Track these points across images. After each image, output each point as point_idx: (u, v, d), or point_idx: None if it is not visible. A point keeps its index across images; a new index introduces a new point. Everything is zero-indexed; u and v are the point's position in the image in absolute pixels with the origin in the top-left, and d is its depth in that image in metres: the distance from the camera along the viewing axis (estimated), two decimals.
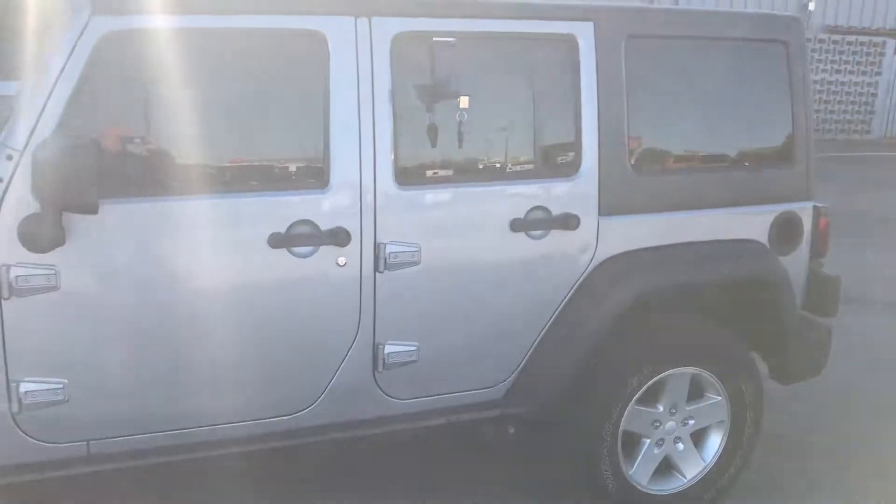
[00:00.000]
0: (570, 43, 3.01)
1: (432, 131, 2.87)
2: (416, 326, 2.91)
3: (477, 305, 2.98)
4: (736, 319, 3.43)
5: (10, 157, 2.40)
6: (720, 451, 3.39)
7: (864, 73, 19.05)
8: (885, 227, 9.41)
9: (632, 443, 3.29)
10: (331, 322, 2.81)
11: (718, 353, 3.28)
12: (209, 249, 2.64)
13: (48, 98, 2.41)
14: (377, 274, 2.82)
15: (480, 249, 2.95)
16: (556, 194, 3.02)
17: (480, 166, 2.97)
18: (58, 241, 2.41)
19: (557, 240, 3.04)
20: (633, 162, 3.14)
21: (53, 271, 2.46)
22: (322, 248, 2.73)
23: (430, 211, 2.89)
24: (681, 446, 3.36)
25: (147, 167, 2.60)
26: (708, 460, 3.39)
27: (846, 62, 18.78)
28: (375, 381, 2.91)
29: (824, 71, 18.56)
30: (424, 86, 2.85)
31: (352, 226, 2.75)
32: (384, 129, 2.77)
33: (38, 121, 2.40)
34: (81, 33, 2.44)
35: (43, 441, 2.57)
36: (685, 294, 3.30)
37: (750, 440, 3.42)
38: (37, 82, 2.45)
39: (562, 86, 3.04)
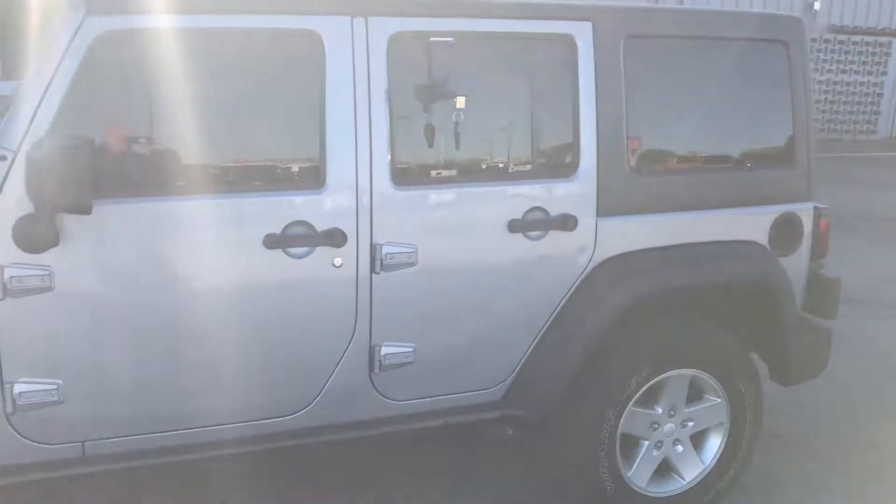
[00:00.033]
0: (568, 43, 3.00)
1: (429, 132, 2.85)
2: (412, 328, 2.90)
3: (474, 307, 2.97)
4: (735, 321, 3.41)
5: (3, 158, 2.40)
6: (719, 453, 3.37)
7: (869, 73, 18.99)
8: (891, 228, 9.37)
9: (630, 445, 3.27)
10: (327, 323, 2.80)
11: (717, 355, 3.26)
12: (204, 250, 2.63)
13: (42, 98, 2.41)
14: (373, 275, 2.81)
15: (478, 250, 2.94)
16: (554, 195, 3.01)
17: (478, 167, 2.95)
18: (52, 241, 2.40)
19: (555, 241, 3.02)
20: (631, 162, 3.12)
21: (48, 272, 2.46)
22: (318, 248, 2.72)
23: (426, 211, 2.87)
24: (680, 448, 3.34)
25: (142, 167, 2.59)
26: (707, 462, 3.38)
27: (852, 62, 18.73)
28: (372, 382, 2.90)
29: (830, 71, 18.51)
30: (421, 86, 2.83)
31: (348, 226, 2.74)
32: (381, 130, 2.76)
33: (32, 121, 2.40)
34: (76, 33, 2.43)
35: (37, 442, 2.56)
36: (684, 296, 3.28)
37: (749, 442, 3.40)
38: (31, 82, 2.44)
39: (560, 86, 3.02)
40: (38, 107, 2.41)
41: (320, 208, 2.72)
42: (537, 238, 3.00)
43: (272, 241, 2.67)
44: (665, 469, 3.36)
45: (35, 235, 2.38)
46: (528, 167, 3.01)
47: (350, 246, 2.75)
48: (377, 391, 2.92)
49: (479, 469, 3.68)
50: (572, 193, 3.03)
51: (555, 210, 3.01)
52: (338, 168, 2.72)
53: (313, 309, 2.77)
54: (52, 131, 2.40)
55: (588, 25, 3.01)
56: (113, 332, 2.58)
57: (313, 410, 2.85)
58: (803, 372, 3.54)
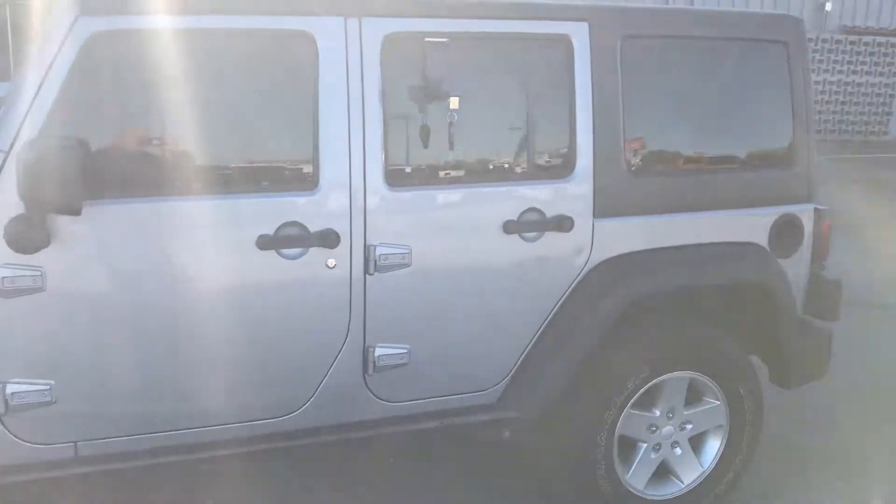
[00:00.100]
0: (564, 43, 2.98)
1: (424, 132, 2.85)
2: (407, 329, 2.89)
3: (469, 308, 2.96)
4: (735, 323, 3.39)
5: None
6: (718, 456, 3.35)
7: (881, 73, 18.85)
8: None
9: (628, 447, 3.25)
10: (320, 324, 2.79)
11: (716, 358, 3.24)
12: (197, 251, 2.63)
13: (35, 99, 2.41)
14: (367, 276, 2.80)
15: (473, 252, 2.92)
16: (550, 196, 2.99)
17: (473, 167, 2.94)
18: (43, 242, 2.41)
19: (552, 242, 3.01)
20: (628, 163, 3.10)
21: (40, 273, 2.46)
22: (311, 249, 2.72)
23: (421, 213, 2.86)
24: (678, 451, 3.32)
25: (134, 168, 2.59)
26: (706, 465, 3.36)
27: (863, 63, 18.59)
28: (366, 383, 2.89)
29: (840, 72, 18.39)
30: (416, 87, 2.83)
31: (341, 227, 2.73)
32: (374, 131, 2.75)
33: (24, 122, 2.41)
34: (68, 33, 2.43)
35: (30, 442, 2.57)
36: (682, 298, 3.26)
37: (749, 445, 3.37)
38: (24, 83, 2.44)
39: (556, 87, 3.00)
40: (31, 107, 2.41)
41: (314, 209, 2.71)
42: (533, 239, 2.98)
43: (265, 242, 2.66)
44: (663, 472, 3.34)
45: (26, 236, 2.38)
46: (524, 168, 3.00)
47: (343, 247, 2.74)
48: (371, 392, 2.91)
49: (476, 470, 3.67)
50: (568, 194, 3.01)
51: (551, 211, 2.99)
52: (331, 169, 2.72)
53: (307, 310, 2.77)
54: (44, 132, 2.40)
55: (584, 26, 2.99)
56: (105, 333, 2.58)
57: (307, 411, 2.84)
58: (804, 375, 3.52)
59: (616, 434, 3.15)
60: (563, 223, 2.99)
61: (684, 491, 3.34)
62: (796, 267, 3.43)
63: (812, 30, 18.00)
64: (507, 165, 3.00)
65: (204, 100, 2.62)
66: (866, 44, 18.53)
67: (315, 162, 2.70)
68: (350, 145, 2.72)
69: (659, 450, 3.28)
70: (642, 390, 3.14)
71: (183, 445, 2.72)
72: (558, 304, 3.07)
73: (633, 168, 3.12)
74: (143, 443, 2.68)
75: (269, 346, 2.75)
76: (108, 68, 2.50)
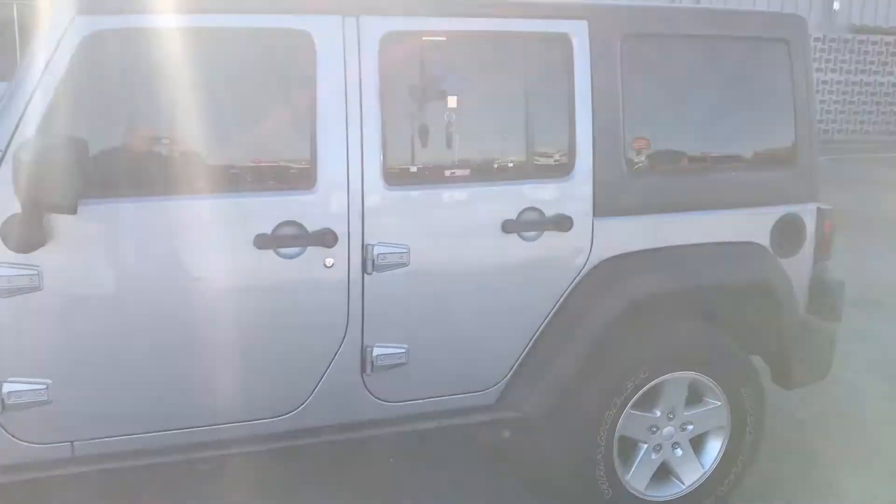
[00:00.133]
0: (563, 42, 2.97)
1: (422, 131, 2.84)
2: (405, 329, 2.88)
3: (468, 308, 2.95)
4: (736, 323, 3.37)
5: None
6: (720, 457, 3.33)
7: (889, 73, 18.73)
8: None
9: (629, 448, 3.23)
10: (318, 323, 2.79)
11: (717, 358, 3.22)
12: (194, 250, 2.63)
13: (31, 98, 2.42)
14: (365, 275, 2.79)
15: (471, 251, 2.91)
16: (549, 195, 2.98)
17: (471, 166, 2.92)
18: (40, 241, 2.41)
19: (551, 241, 2.99)
20: (629, 163, 3.09)
21: (36, 272, 2.46)
22: (309, 249, 2.71)
23: (419, 212, 2.85)
24: (679, 452, 3.30)
25: (131, 167, 2.60)
26: (707, 466, 3.34)
27: (871, 62, 18.48)
28: (364, 383, 2.88)
29: (849, 71, 18.28)
30: (414, 86, 2.82)
31: (339, 227, 2.72)
32: (372, 130, 2.74)
33: (20, 121, 2.41)
34: (65, 32, 2.43)
35: (27, 441, 2.57)
36: (682, 297, 3.24)
37: (751, 446, 3.35)
38: (21, 82, 2.44)
39: (555, 86, 2.99)
40: (27, 106, 2.41)
41: (311, 208, 2.70)
42: (532, 239, 2.97)
43: (263, 242, 2.66)
44: (664, 473, 3.32)
45: (23, 235, 2.38)
46: (523, 167, 2.98)
47: (341, 246, 2.73)
48: (369, 392, 2.90)
49: (475, 471, 3.66)
50: (568, 194, 3.00)
51: (550, 210, 2.98)
52: (329, 168, 2.71)
53: (304, 309, 2.76)
54: (41, 131, 2.40)
55: (584, 24, 2.98)
56: (102, 333, 2.57)
57: (305, 411, 2.84)
58: (806, 375, 3.50)
59: (616, 435, 3.13)
60: (562, 222, 2.98)
61: (685, 492, 3.32)
62: (798, 267, 3.41)
63: (820, 29, 17.93)
64: (505, 164, 2.98)
65: (201, 99, 2.61)
66: (874, 43, 18.42)
67: (313, 161, 2.70)
68: (348, 144, 2.72)
69: (659, 450, 3.26)
70: (642, 391, 3.12)
71: (180, 445, 2.71)
72: (558, 304, 3.06)
73: (633, 167, 3.10)
74: (139, 442, 2.68)
75: (266, 346, 2.75)
76: (106, 68, 2.50)
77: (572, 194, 3.00)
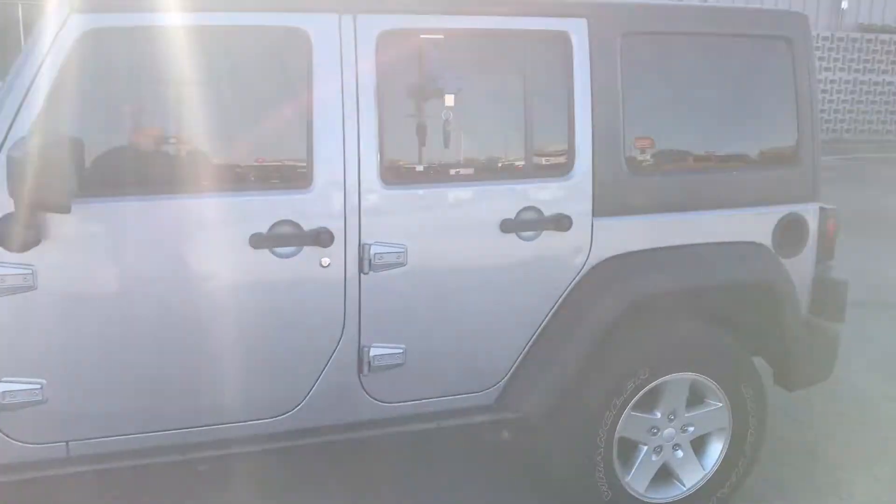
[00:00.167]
0: (562, 40, 2.94)
1: (419, 130, 2.82)
2: (402, 329, 2.86)
3: (466, 308, 2.93)
4: (737, 324, 3.34)
5: None
6: (721, 458, 3.30)
7: None
8: None
9: (629, 449, 3.21)
10: (314, 323, 2.77)
11: (718, 359, 3.19)
12: (189, 249, 2.61)
13: (25, 96, 2.41)
14: (362, 275, 2.77)
15: (469, 251, 2.89)
16: (548, 194, 2.96)
17: (469, 165, 2.90)
18: (33, 240, 2.40)
19: (550, 241, 2.97)
20: (629, 162, 3.06)
21: (31, 271, 2.45)
22: (305, 248, 2.69)
23: (416, 211, 2.83)
24: (680, 454, 3.28)
25: (125, 166, 2.58)
26: (708, 468, 3.31)
27: (880, 61, 18.39)
28: (361, 383, 2.87)
29: (857, 70, 18.19)
30: (411, 84, 2.81)
31: (336, 226, 2.71)
32: (369, 128, 2.72)
33: (14, 119, 2.40)
34: (60, 31, 2.42)
35: (21, 441, 2.56)
36: (683, 298, 3.21)
37: (753, 448, 3.33)
38: (15, 80, 2.43)
39: (554, 84, 2.97)
40: (21, 105, 2.40)
41: (307, 207, 2.69)
42: (531, 238, 2.95)
43: (258, 241, 2.64)
44: (665, 474, 3.30)
45: (17, 234, 2.37)
46: (522, 166, 2.96)
47: (338, 246, 2.72)
48: (367, 393, 2.88)
49: (475, 471, 3.64)
50: (567, 193, 2.98)
51: (549, 210, 2.95)
52: (325, 167, 2.69)
53: (301, 309, 2.75)
54: (35, 129, 2.39)
55: (583, 22, 2.96)
56: (97, 332, 2.56)
57: (301, 412, 2.82)
58: (809, 376, 3.47)
59: (616, 436, 3.11)
60: (561, 222, 2.95)
61: (686, 494, 3.29)
62: (801, 267, 3.38)
63: (828, 28, 17.86)
64: (504, 163, 2.97)
65: (197, 97, 2.61)
66: (883, 42, 18.34)
67: (309, 160, 2.68)
68: (345, 143, 2.70)
69: (660, 452, 3.24)
70: (642, 392, 3.10)
71: (175, 446, 2.70)
72: (557, 304, 3.04)
73: (633, 166, 3.08)
74: (135, 443, 2.67)
75: (262, 346, 2.73)
76: (101, 66, 2.49)
77: (571, 194, 2.98)
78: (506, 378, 3.05)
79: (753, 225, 3.27)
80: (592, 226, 3.02)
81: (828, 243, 3.43)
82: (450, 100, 2.80)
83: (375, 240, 2.76)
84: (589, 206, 3.01)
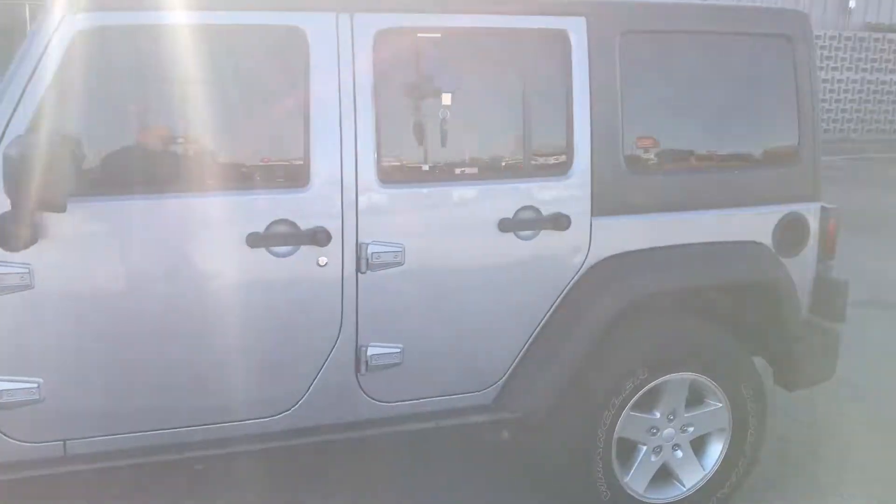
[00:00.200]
0: (561, 39, 2.94)
1: (417, 129, 2.82)
2: (400, 328, 2.86)
3: (464, 308, 2.92)
4: (737, 324, 3.33)
5: None
6: (721, 459, 3.28)
7: None
8: None
9: (628, 449, 3.20)
10: (312, 322, 2.77)
11: (718, 359, 3.17)
12: (185, 248, 2.62)
13: (22, 95, 2.41)
14: (359, 274, 2.77)
15: (467, 250, 2.89)
16: (546, 194, 2.95)
17: (467, 164, 2.90)
18: (30, 239, 2.40)
19: (548, 240, 2.96)
20: (628, 161, 3.05)
21: (27, 270, 2.45)
22: (302, 247, 2.69)
23: (414, 210, 2.83)
24: (679, 454, 3.26)
25: (122, 165, 2.59)
26: (708, 468, 3.29)
27: (887, 60, 18.29)
28: (358, 383, 2.87)
29: (864, 70, 18.09)
30: (409, 83, 2.80)
31: (333, 225, 2.70)
32: (366, 127, 2.72)
33: (11, 118, 2.40)
34: (56, 30, 2.43)
35: (18, 440, 2.56)
36: (682, 297, 3.21)
37: (753, 448, 3.31)
38: (11, 79, 2.44)
39: (552, 83, 2.96)
40: (18, 104, 2.41)
41: (304, 207, 2.69)
42: (529, 238, 2.94)
43: (255, 240, 2.64)
44: (665, 475, 3.28)
45: (13, 233, 2.37)
46: (520, 165, 2.96)
47: (335, 245, 2.72)
48: (364, 392, 2.88)
49: (473, 472, 3.63)
50: (566, 192, 2.97)
51: (547, 209, 2.95)
52: (323, 166, 2.69)
53: (298, 308, 2.74)
54: (32, 128, 2.39)
55: (582, 21, 2.95)
56: (94, 331, 2.57)
57: (299, 411, 2.82)
58: (810, 377, 3.45)
59: (615, 436, 3.09)
60: (559, 221, 2.95)
61: (686, 494, 3.28)
62: (802, 266, 3.36)
63: (835, 27, 17.78)
64: (502, 162, 2.96)
65: (193, 96, 2.61)
66: (890, 41, 18.23)
67: (306, 159, 2.68)
68: (342, 142, 2.70)
69: (659, 452, 3.22)
70: (641, 392, 3.08)
71: (172, 445, 2.70)
72: (555, 304, 3.03)
73: (632, 165, 3.07)
74: (132, 441, 2.67)
75: (259, 345, 2.73)
76: (96, 65, 2.48)
77: (570, 193, 2.97)
78: (504, 378, 3.05)
79: (753, 224, 3.26)
80: (591, 225, 3.01)
81: (829, 243, 3.41)
82: (447, 99, 2.80)
83: (373, 239, 2.76)
84: (588, 206, 3.00)
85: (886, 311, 5.98)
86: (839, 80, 17.74)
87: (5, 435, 2.54)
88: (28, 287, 2.46)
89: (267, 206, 2.65)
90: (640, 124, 3.08)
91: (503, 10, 2.87)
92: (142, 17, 2.50)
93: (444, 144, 2.84)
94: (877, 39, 18.13)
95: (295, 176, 2.69)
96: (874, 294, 6.13)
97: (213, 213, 2.62)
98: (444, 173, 2.86)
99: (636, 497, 3.21)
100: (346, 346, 2.81)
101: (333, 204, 2.70)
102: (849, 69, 17.86)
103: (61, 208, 2.33)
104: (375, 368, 2.85)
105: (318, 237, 2.67)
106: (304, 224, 2.68)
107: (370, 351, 2.83)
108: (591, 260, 3.04)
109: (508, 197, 2.90)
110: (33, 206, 2.32)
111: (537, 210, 2.93)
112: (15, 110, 2.40)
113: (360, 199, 2.73)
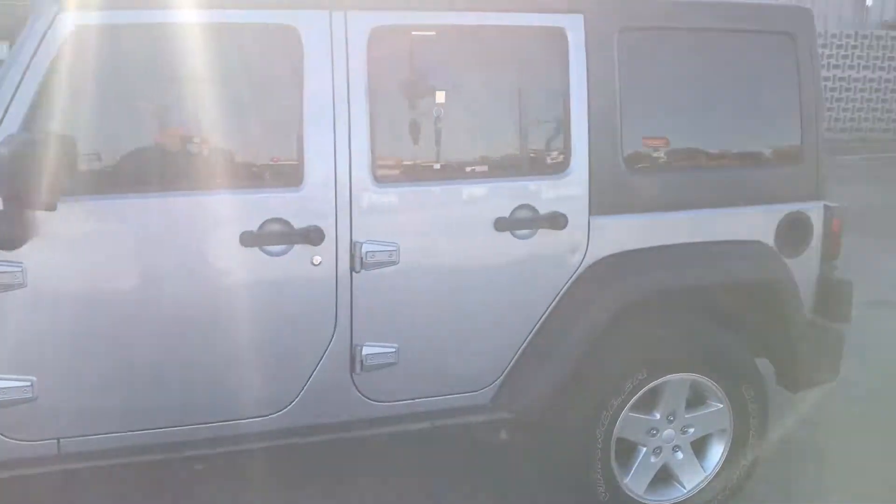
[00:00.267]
0: (558, 36, 2.91)
1: (412, 128, 2.81)
2: (395, 327, 2.84)
3: (459, 307, 2.90)
4: (739, 324, 3.29)
5: None
6: (722, 460, 3.25)
7: None
8: None
9: (628, 451, 3.17)
10: (306, 322, 2.76)
11: (718, 360, 3.14)
12: (179, 247, 2.61)
13: (14, 94, 2.42)
14: (353, 273, 2.76)
15: (463, 249, 2.87)
16: (543, 192, 2.93)
17: (463, 163, 2.89)
18: (22, 238, 2.40)
19: (545, 240, 2.94)
20: (626, 159, 3.02)
21: (20, 268, 2.45)
22: (296, 246, 2.69)
23: (408, 209, 2.82)
24: (680, 455, 3.23)
25: (115, 164, 2.59)
26: (709, 470, 3.26)
27: None
28: (353, 382, 2.85)
29: (882, 68, 17.91)
30: (403, 82, 2.79)
31: (327, 224, 2.70)
32: (361, 126, 2.71)
33: (3, 117, 2.41)
34: (48, 29, 2.43)
35: (12, 438, 2.57)
36: (682, 297, 3.18)
37: (755, 450, 3.27)
38: (4, 78, 2.44)
39: (550, 81, 2.95)
40: (10, 103, 2.41)
41: (298, 206, 2.68)
42: (526, 237, 2.92)
43: (249, 239, 2.64)
44: (665, 476, 3.25)
45: (4, 232, 2.38)
46: (517, 164, 2.95)
47: (329, 244, 2.71)
48: (359, 392, 2.87)
49: (471, 472, 3.61)
50: (563, 191, 2.95)
51: (544, 208, 2.93)
52: (316, 165, 2.68)
53: (292, 307, 2.74)
54: (24, 127, 2.40)
55: (579, 18, 2.93)
56: (87, 330, 2.57)
57: (293, 410, 2.81)
58: (812, 377, 3.41)
59: (613, 437, 3.06)
60: (556, 220, 2.92)
61: (686, 496, 3.24)
62: (805, 266, 3.32)
63: (851, 25, 17.63)
64: (498, 161, 2.95)
65: (186, 95, 2.61)
66: None
67: (300, 158, 2.67)
68: (336, 141, 2.69)
69: (659, 453, 3.19)
70: (641, 392, 3.05)
71: (166, 444, 2.70)
72: (553, 303, 3.01)
73: (630, 164, 3.04)
74: (126, 440, 2.67)
75: (253, 344, 2.72)
76: (88, 64, 2.48)
77: (567, 192, 2.95)
78: (501, 377, 3.03)
79: (755, 223, 3.22)
80: (589, 224, 2.99)
81: (833, 242, 3.37)
82: (442, 97, 2.79)
83: (367, 238, 2.75)
84: (585, 205, 2.97)
85: (888, 310, 5.91)
86: (856, 79, 17.58)
87: None
88: (21, 286, 2.46)
89: (260, 205, 2.65)
90: (639, 122, 3.05)
91: (499, 7, 2.85)
92: (134, 16, 2.51)
93: (439, 143, 2.83)
94: (894, 38, 17.95)
95: (288, 174, 2.69)
96: (885, 294, 6.06)
97: (206, 212, 2.62)
98: (439, 172, 2.84)
99: (635, 498, 3.17)
100: (340, 345, 2.80)
101: (327, 203, 2.70)
102: (866, 67, 17.70)
103: (52, 207, 2.33)
104: (370, 368, 2.84)
105: (312, 236, 2.66)
106: (298, 223, 2.67)
107: (365, 350, 2.82)
108: (589, 259, 3.02)
109: (505, 196, 2.89)
110: (23, 204, 2.33)
111: (534, 209, 2.91)
112: (7, 109, 2.41)
113: (354, 197, 2.72)
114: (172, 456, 2.70)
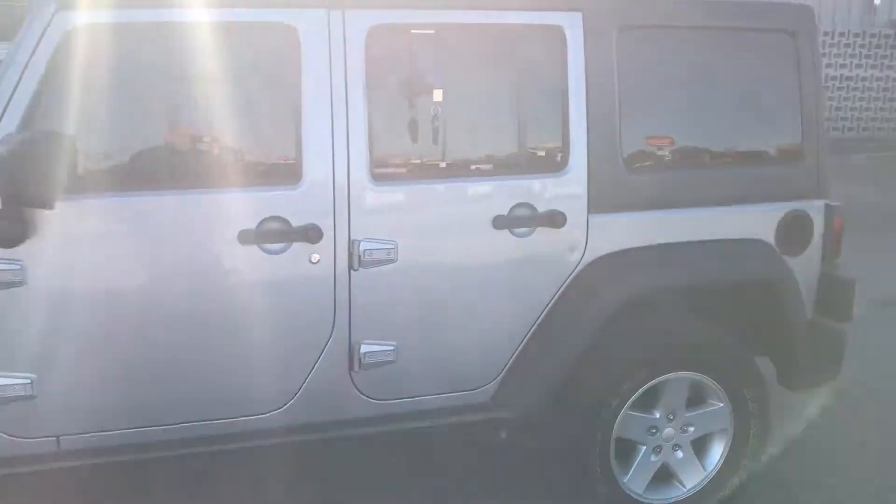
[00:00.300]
0: (557, 35, 2.91)
1: (410, 126, 2.82)
2: (393, 326, 2.85)
3: (458, 305, 2.91)
4: (739, 323, 3.28)
5: None
6: (722, 459, 3.24)
7: None
8: None
9: (628, 449, 3.16)
10: (304, 320, 2.77)
11: (718, 359, 3.13)
12: (178, 245, 2.63)
13: (13, 93, 2.43)
14: (352, 272, 2.76)
15: (461, 248, 2.88)
16: (542, 191, 2.93)
17: (461, 161, 2.89)
18: (20, 236, 2.42)
19: (544, 238, 2.94)
20: (625, 158, 3.02)
21: (19, 266, 2.47)
22: (294, 245, 2.69)
23: (407, 207, 2.83)
24: (680, 454, 3.22)
25: (113, 163, 2.61)
26: (709, 469, 3.25)
27: None
28: (352, 380, 2.86)
29: (890, 67, 17.81)
30: (401, 80, 2.80)
31: (325, 222, 2.70)
32: (359, 125, 2.71)
33: (1, 116, 2.42)
34: (46, 28, 2.45)
35: (12, 436, 2.58)
36: (681, 296, 3.17)
37: (755, 448, 3.26)
38: (2, 77, 2.46)
39: (548, 79, 2.95)
40: (8, 102, 2.43)
41: (296, 204, 2.69)
42: (524, 235, 2.92)
43: (247, 237, 2.64)
44: (665, 475, 3.24)
45: (4, 230, 2.39)
46: (515, 162, 2.95)
47: (327, 242, 2.71)
48: (358, 390, 2.87)
49: (471, 472, 3.60)
50: (562, 189, 2.95)
51: (543, 206, 2.93)
52: (315, 163, 2.69)
53: (290, 305, 2.75)
54: (22, 126, 2.41)
55: (578, 16, 2.93)
56: (86, 328, 2.58)
57: (292, 408, 2.82)
58: (813, 377, 3.41)
59: (613, 436, 3.06)
60: (555, 218, 2.92)
61: (686, 495, 3.24)
62: (806, 265, 3.31)
63: (860, 24, 17.54)
64: (496, 159, 2.95)
65: (185, 94, 2.63)
66: None
67: (298, 156, 2.68)
68: (334, 139, 2.69)
69: (659, 452, 3.19)
70: (640, 391, 3.05)
71: (165, 441, 2.71)
72: (552, 302, 3.01)
73: (629, 162, 3.04)
74: (125, 438, 2.68)
75: (251, 343, 2.73)
76: (86, 63, 2.49)
77: (566, 190, 2.95)
78: (500, 376, 3.03)
79: (755, 222, 3.21)
80: (588, 222, 2.99)
81: (834, 241, 3.36)
82: (440, 95, 2.79)
83: (365, 236, 2.75)
84: (584, 203, 2.97)
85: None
86: (864, 78, 17.49)
87: None
88: (20, 283, 2.48)
89: (258, 204, 2.66)
90: (638, 121, 3.05)
91: (498, 5, 2.85)
92: (131, 15, 2.52)
93: (437, 141, 2.83)
94: None
95: (287, 173, 2.69)
96: (893, 294, 6.03)
97: (205, 210, 2.63)
98: (437, 170, 2.85)
99: (635, 497, 3.17)
100: (339, 343, 2.80)
101: (325, 201, 2.70)
102: (873, 67, 17.59)
103: (49, 205, 2.34)
104: (369, 366, 2.84)
105: (310, 234, 2.67)
106: (296, 221, 2.68)
107: (363, 348, 2.82)
108: (588, 257, 3.01)
109: (503, 194, 2.89)
110: (21, 202, 2.34)
111: (532, 207, 2.91)
112: (6, 108, 2.42)
113: (352, 196, 2.72)
114: (171, 454, 2.72)
